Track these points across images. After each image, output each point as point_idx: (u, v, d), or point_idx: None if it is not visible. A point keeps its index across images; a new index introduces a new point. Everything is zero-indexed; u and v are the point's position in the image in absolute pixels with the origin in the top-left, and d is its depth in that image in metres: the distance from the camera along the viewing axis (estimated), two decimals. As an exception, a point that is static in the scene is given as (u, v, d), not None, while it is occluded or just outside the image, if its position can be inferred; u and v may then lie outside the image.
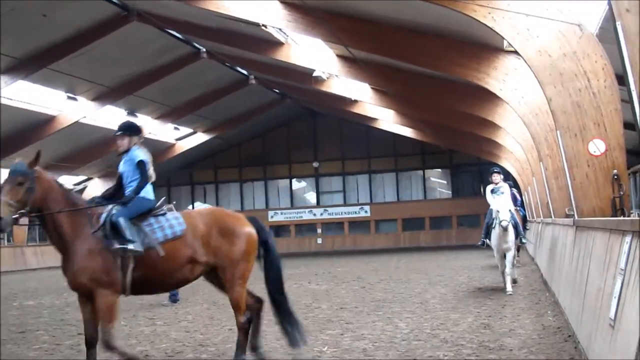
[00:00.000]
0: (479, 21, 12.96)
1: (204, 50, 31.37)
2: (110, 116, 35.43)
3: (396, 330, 10.61)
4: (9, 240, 39.28)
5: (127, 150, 8.59)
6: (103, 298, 7.61)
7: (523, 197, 27.21)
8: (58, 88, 29.90)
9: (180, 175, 52.25)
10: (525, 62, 12.69)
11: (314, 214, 50.39)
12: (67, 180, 43.26)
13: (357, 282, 20.14)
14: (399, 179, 50.10)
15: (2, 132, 29.94)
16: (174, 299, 16.12)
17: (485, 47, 17.55)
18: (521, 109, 17.13)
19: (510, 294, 14.11)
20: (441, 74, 21.94)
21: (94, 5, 24.02)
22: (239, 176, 51.95)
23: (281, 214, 50.91)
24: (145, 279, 7.83)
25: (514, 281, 15.78)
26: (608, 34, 9.16)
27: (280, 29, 25.08)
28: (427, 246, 44.77)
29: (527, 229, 23.13)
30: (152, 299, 17.58)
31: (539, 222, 22.87)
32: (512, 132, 23.35)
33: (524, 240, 16.47)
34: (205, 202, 52.93)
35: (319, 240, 49.62)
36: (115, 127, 8.82)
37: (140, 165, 8.42)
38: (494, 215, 14.86)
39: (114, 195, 8.43)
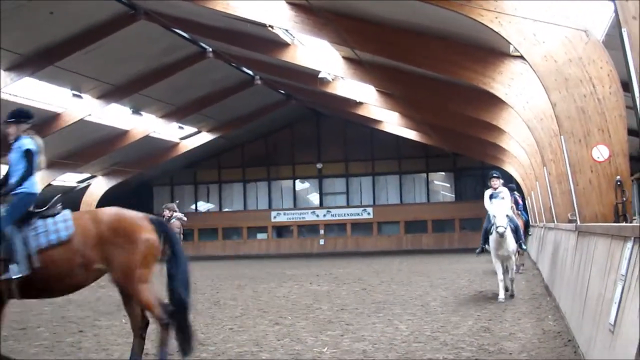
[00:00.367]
0: (486, 25, 12.96)
1: (210, 49, 31.40)
2: (116, 114, 35.49)
3: (396, 332, 10.63)
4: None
5: (17, 139, 8.17)
6: None
7: (526, 202, 27.18)
8: (63, 85, 29.92)
9: (183, 175, 52.31)
10: (531, 67, 12.69)
11: (317, 215, 50.39)
12: (71, 178, 43.39)
13: (358, 283, 20.16)
14: (402, 182, 50.07)
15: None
16: (175, 298, 16.12)
17: (491, 51, 17.55)
18: (526, 114, 17.13)
19: (502, 302, 13.86)
20: (446, 77, 21.94)
21: (101, 3, 24.04)
22: (243, 176, 51.97)
23: (284, 214, 50.92)
24: (31, 285, 7.51)
25: (510, 292, 15.08)
26: (614, 41, 9.17)
27: (286, 30, 25.08)
28: (430, 249, 44.76)
29: (530, 234, 23.12)
30: (154, 297, 17.62)
31: (542, 227, 22.87)
32: (517, 137, 23.34)
33: (524, 247, 15.98)
34: (208, 201, 53.01)
35: (321, 242, 49.61)
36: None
37: (27, 154, 8.02)
38: (491, 221, 14.52)
39: (1, 186, 8.03)
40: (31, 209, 7.94)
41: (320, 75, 29.52)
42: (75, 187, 45.51)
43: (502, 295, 14.27)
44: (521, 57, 14.16)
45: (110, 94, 32.15)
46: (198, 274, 27.16)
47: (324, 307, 14.42)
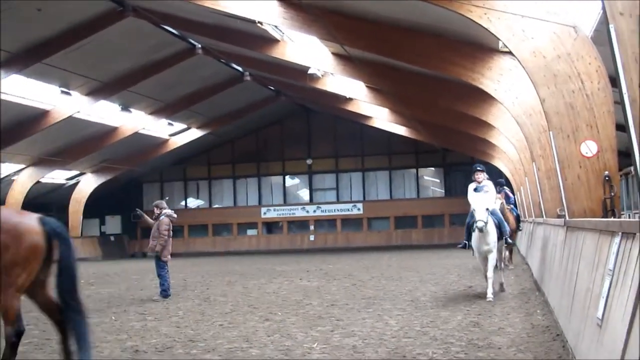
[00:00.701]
0: (475, 22, 12.98)
1: (200, 46, 31.35)
2: (104, 111, 35.38)
3: (386, 327, 10.66)
4: None
5: None
6: None
7: (515, 197, 27.23)
8: (52, 82, 29.81)
9: (173, 171, 52.20)
10: (520, 63, 12.73)
11: (307, 211, 50.38)
12: (60, 175, 43.26)
13: (349, 279, 20.19)
14: (392, 177, 50.10)
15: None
16: (165, 295, 16.16)
17: (480, 47, 17.59)
18: (515, 110, 17.18)
19: (490, 301, 13.25)
20: (436, 73, 21.97)
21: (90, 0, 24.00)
22: (233, 172, 51.90)
23: (274, 210, 50.88)
24: None
25: (501, 286, 14.94)
26: (602, 36, 9.21)
27: (276, 26, 25.07)
28: (419, 244, 44.85)
29: (521, 230, 23.07)
30: (143, 294, 17.64)
31: (531, 222, 22.95)
32: (506, 132, 23.41)
33: (509, 241, 15.43)
34: (198, 198, 52.92)
35: (312, 237, 49.62)
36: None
37: None
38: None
39: None
40: None
41: (309, 72, 29.50)
42: (64, 184, 45.40)
43: (490, 294, 13.62)
44: (510, 53, 14.20)
45: (99, 91, 32.06)
46: (188, 270, 27.18)
47: (314, 302, 14.44)
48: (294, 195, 52.06)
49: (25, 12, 22.87)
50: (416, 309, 12.71)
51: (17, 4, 21.90)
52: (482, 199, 13.89)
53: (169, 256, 16.51)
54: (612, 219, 9.30)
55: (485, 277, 14.11)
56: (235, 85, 37.78)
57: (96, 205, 47.27)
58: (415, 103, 30.41)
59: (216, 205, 52.38)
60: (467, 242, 14.68)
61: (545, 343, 8.76)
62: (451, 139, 38.57)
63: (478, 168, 14.90)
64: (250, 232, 51.03)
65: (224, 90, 37.84)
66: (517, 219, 21.60)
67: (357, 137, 48.69)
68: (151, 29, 27.77)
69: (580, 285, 7.49)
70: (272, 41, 27.34)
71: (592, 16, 13.77)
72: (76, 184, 44.95)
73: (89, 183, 44.90)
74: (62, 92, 30.50)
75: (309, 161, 50.73)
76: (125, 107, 35.63)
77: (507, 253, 20.83)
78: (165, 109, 38.27)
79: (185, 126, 44.01)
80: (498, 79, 17.31)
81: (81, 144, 37.91)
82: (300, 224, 50.63)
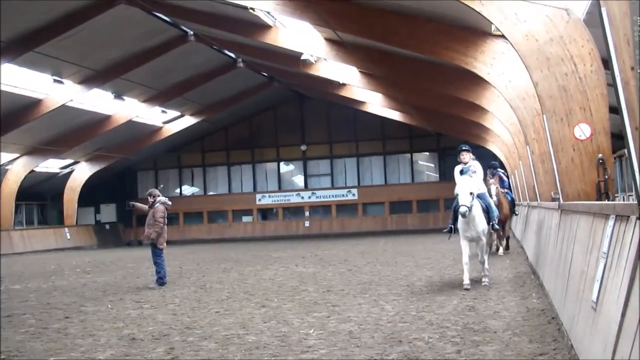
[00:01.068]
0: (467, 5, 12.95)
1: (192, 33, 31.25)
2: (98, 99, 35.28)
3: (382, 312, 10.69)
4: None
5: None
6: None
7: (510, 180, 27.24)
8: (44, 71, 29.72)
9: (167, 159, 52.15)
10: (513, 46, 12.70)
11: (302, 197, 50.39)
12: (54, 164, 43.17)
13: (344, 265, 20.23)
14: (387, 162, 50.11)
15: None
16: (161, 282, 16.17)
17: (473, 31, 17.54)
18: (508, 93, 17.16)
19: (467, 289, 12.60)
20: (429, 57, 21.93)
21: (81, -13, 23.92)
22: (227, 159, 51.86)
23: (269, 197, 50.89)
24: None
25: (484, 275, 13.83)
26: (595, 19, 9.19)
27: (268, 12, 24.98)
28: (414, 229, 44.94)
29: (517, 214, 22.89)
30: (139, 282, 17.65)
31: (526, 206, 22.99)
32: (500, 116, 23.40)
33: (496, 227, 14.45)
34: (193, 185, 52.90)
35: (307, 223, 49.67)
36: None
37: None
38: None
39: None
40: None
41: (302, 57, 29.44)
42: (58, 173, 45.32)
43: (466, 280, 12.92)
44: (503, 36, 14.16)
45: (91, 79, 31.98)
46: (183, 258, 27.19)
47: (310, 289, 14.46)
48: (289, 182, 52.06)
49: (17, 1, 22.74)
50: (412, 294, 12.74)
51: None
52: (466, 183, 13.18)
53: (165, 244, 16.52)
54: (606, 201, 9.32)
55: (464, 264, 13.30)
56: (228, 72, 37.71)
57: (91, 194, 47.24)
58: (408, 88, 30.37)
59: (211, 193, 52.37)
60: (452, 227, 13.90)
61: (541, 326, 8.80)
62: (445, 123, 38.57)
63: (463, 148, 14.21)
64: (245, 218, 51.06)
65: (217, 77, 37.77)
66: (512, 204, 21.41)
67: (351, 122, 48.65)
68: (143, 16, 27.66)
69: (575, 269, 7.51)
70: (265, 27, 27.26)
71: (584, -2, 13.74)
72: (70, 172, 44.87)
73: (83, 172, 44.84)
74: (55, 80, 30.42)
75: (303, 147, 50.71)
76: (118, 95, 35.54)
77: (496, 239, 20.70)
78: (159, 97, 38.19)
79: (178, 114, 43.94)
80: (491, 62, 17.28)
81: (75, 132, 37.83)
82: (295, 210, 50.67)
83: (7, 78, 28.20)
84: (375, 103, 38.95)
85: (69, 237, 43.36)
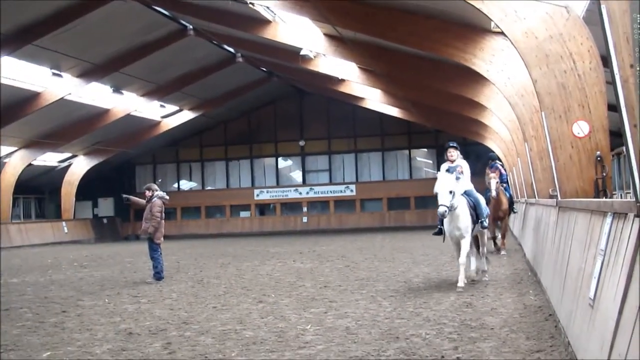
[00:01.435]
0: (467, 2, 12.93)
1: (191, 27, 31.19)
2: (96, 93, 35.24)
3: (379, 308, 10.70)
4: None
5: None
6: None
7: (508, 175, 27.10)
8: (43, 64, 29.67)
9: (165, 153, 52.12)
10: (512, 43, 12.69)
11: (300, 193, 50.40)
12: (52, 158, 43.13)
13: (342, 260, 20.24)
14: (385, 159, 50.11)
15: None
16: (158, 277, 16.17)
17: (473, 28, 17.53)
18: (507, 90, 17.15)
19: (460, 291, 12.08)
20: (428, 54, 21.93)
21: (80, -20, 23.85)
22: (225, 154, 51.84)
23: (267, 192, 50.88)
24: None
25: (483, 274, 13.79)
26: (594, 16, 9.18)
27: (267, 7, 24.96)
28: (412, 225, 44.94)
29: (515, 212, 22.22)
30: (137, 276, 17.65)
31: (524, 203, 22.99)
32: (498, 113, 23.39)
33: (484, 224, 13.59)
34: (191, 180, 52.88)
35: (305, 219, 49.68)
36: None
37: None
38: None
39: None
40: None
41: (301, 53, 29.42)
42: (56, 166, 45.29)
43: (461, 282, 12.45)
44: (502, 33, 14.15)
45: (90, 73, 31.93)
46: (181, 252, 27.19)
47: (308, 284, 14.47)
48: (287, 177, 52.06)
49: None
50: (409, 290, 12.75)
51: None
52: (445, 180, 12.47)
53: (162, 238, 16.51)
54: (604, 199, 9.32)
55: (460, 264, 12.74)
56: (227, 67, 37.67)
57: (89, 188, 47.21)
58: (407, 84, 30.37)
59: (209, 187, 52.34)
60: (441, 227, 13.23)
61: (538, 323, 8.81)
62: (443, 120, 38.58)
63: (450, 145, 13.70)
64: (243, 214, 51.06)
65: (216, 71, 37.74)
66: (511, 201, 20.80)
67: (349, 118, 48.64)
68: (142, 10, 27.61)
69: (573, 266, 7.52)
70: (264, 22, 27.24)
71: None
72: (68, 166, 44.84)
73: (81, 165, 44.80)
74: (54, 74, 30.37)
75: (301, 143, 50.70)
76: (117, 89, 35.48)
77: (487, 238, 20.10)
78: (157, 91, 38.14)
79: (177, 108, 43.89)
80: (490, 59, 17.27)
81: (73, 126, 37.79)
82: (293, 206, 50.67)
83: (6, 71, 28.14)
84: (374, 99, 38.95)
85: (66, 231, 43.34)
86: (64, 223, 43.68)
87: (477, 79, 21.35)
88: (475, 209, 13.09)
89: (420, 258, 19.78)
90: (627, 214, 4.99)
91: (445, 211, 12.17)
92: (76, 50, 29.25)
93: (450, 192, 12.28)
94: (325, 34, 26.30)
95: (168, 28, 30.89)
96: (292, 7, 21.08)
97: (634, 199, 4.84)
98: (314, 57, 31.35)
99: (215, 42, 33.89)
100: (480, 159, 24.88)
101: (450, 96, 27.29)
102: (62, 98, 32.26)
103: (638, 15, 5.48)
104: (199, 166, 52.50)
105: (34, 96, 31.68)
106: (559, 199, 11.04)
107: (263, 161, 51.81)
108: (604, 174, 10.72)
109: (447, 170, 13.03)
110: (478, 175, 17.62)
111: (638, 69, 5.30)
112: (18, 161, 38.54)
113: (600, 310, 5.39)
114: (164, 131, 45.10)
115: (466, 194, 13.02)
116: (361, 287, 13.62)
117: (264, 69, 41.56)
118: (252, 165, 51.73)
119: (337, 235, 38.34)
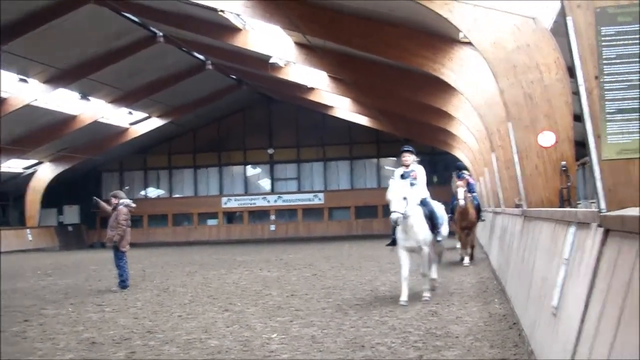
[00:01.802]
0: (436, 12, 13.00)
1: (161, 34, 31.05)
2: (63, 99, 34.90)
3: (345, 317, 10.67)
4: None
5: None
6: None
7: (475, 184, 27.19)
8: (9, 70, 29.33)
9: (133, 160, 51.73)
10: (481, 54, 12.78)
11: (268, 201, 50.31)
12: (17, 164, 42.60)
13: (309, 269, 20.21)
14: (353, 167, 50.23)
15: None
16: (123, 285, 16.01)
17: (441, 37, 17.64)
18: (475, 100, 17.27)
19: (404, 305, 11.53)
20: (397, 63, 22.01)
21: (48, -15, 23.64)
22: (194, 162, 51.62)
23: (235, 200, 50.71)
24: None
25: (432, 287, 13.10)
26: (561, 27, 9.27)
27: (238, 15, 24.91)
28: (380, 234, 44.88)
29: (483, 220, 22.18)
30: (102, 285, 17.46)
31: (490, 212, 23.12)
32: (466, 123, 23.54)
33: (438, 238, 12.79)
34: (158, 187, 52.54)
35: (272, 227, 49.59)
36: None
37: None
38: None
39: None
40: None
41: (271, 61, 29.41)
42: (21, 173, 44.75)
43: (404, 296, 11.83)
44: (470, 43, 14.24)
45: (57, 79, 31.63)
46: (147, 260, 26.97)
47: (274, 293, 14.41)
48: (255, 185, 51.94)
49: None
50: (375, 299, 12.75)
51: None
52: (399, 187, 11.91)
53: (128, 246, 16.35)
54: (568, 209, 9.40)
55: (403, 278, 12.14)
56: (196, 74, 37.55)
57: (54, 195, 46.67)
58: (376, 93, 30.48)
59: (177, 195, 52.04)
60: (394, 238, 12.60)
61: (502, 332, 8.84)
62: (412, 129, 38.75)
63: (405, 149, 12.93)
64: (210, 222, 50.83)
65: (186, 78, 37.61)
66: (478, 209, 20.79)
67: (318, 127, 48.70)
68: (112, 16, 27.44)
69: (537, 275, 7.56)
70: (234, 30, 27.20)
71: (552, 7, 13.87)
72: (34, 173, 44.33)
73: (46, 172, 44.32)
74: (20, 79, 30.03)
75: (270, 151, 50.65)
76: (85, 96, 35.18)
77: (460, 247, 20.18)
78: (126, 98, 37.88)
79: (145, 115, 43.62)
80: (459, 69, 17.39)
81: (39, 132, 37.39)
82: (261, 214, 50.55)
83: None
84: (343, 108, 39.05)
85: (30, 238, 42.79)
86: (28, 230, 43.12)
87: (445, 88, 21.47)
88: (431, 219, 12.45)
89: (387, 266, 19.79)
90: (590, 223, 5.03)
91: (399, 218, 11.55)
92: (44, 56, 28.98)
93: (404, 198, 11.73)
94: (295, 42, 26.31)
95: (137, 35, 30.73)
96: (263, 15, 21.07)
97: (597, 209, 4.87)
98: (284, 65, 31.35)
99: (184, 49, 33.77)
100: (448, 169, 25.02)
101: (419, 105, 27.43)
102: (28, 104, 31.91)
103: (602, 28, 5.54)
104: (167, 174, 52.20)
105: (-1, 102, 31.31)
106: (525, 208, 11.11)
107: (232, 169, 51.65)
108: (569, 184, 10.81)
109: (402, 176, 12.62)
110: (445, 184, 17.69)
111: (602, 80, 5.35)
112: None
113: (562, 319, 5.42)
114: (131, 138, 44.78)
115: (422, 203, 12.44)
116: (327, 295, 13.60)
117: (234, 77, 41.49)
118: (220, 173, 51.55)
119: (305, 244, 38.29)
